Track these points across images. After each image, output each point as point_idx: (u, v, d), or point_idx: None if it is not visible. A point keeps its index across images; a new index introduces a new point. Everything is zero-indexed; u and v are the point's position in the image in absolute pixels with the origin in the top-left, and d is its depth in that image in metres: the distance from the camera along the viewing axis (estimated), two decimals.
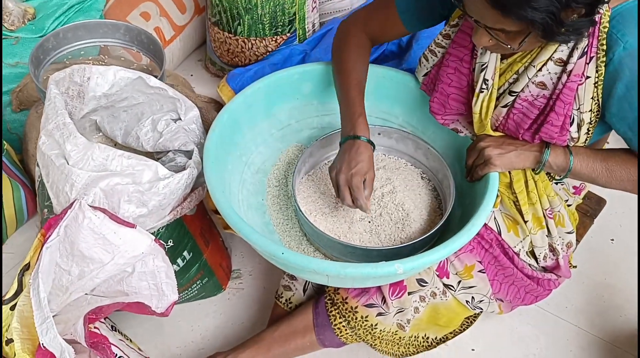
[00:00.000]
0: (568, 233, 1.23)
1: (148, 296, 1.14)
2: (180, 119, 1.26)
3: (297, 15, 1.77)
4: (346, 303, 1.17)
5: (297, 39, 1.82)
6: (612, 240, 1.54)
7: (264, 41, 1.79)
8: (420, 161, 1.31)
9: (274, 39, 1.79)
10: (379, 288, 1.17)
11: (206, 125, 1.40)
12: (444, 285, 1.19)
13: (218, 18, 1.79)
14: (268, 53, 1.81)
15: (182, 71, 2.07)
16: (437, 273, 1.17)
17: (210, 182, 1.09)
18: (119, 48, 1.72)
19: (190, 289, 1.37)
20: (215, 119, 1.21)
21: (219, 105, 1.72)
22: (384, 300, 1.16)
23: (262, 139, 1.34)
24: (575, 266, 1.29)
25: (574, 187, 1.28)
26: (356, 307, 1.17)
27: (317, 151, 1.30)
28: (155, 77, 1.48)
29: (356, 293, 1.18)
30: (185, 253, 1.28)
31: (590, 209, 1.45)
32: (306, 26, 1.82)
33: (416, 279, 1.16)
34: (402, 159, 1.33)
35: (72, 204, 1.01)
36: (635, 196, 1.54)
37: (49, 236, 0.96)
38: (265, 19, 1.73)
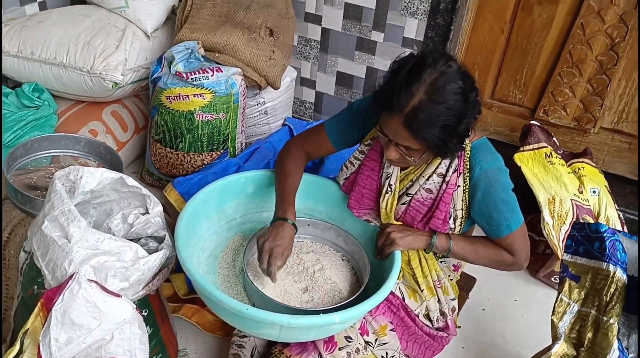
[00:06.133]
0: (452, 299, 1.63)
1: None
2: (147, 213, 1.53)
3: (230, 136, 2.15)
4: None
5: (229, 154, 2.19)
6: (483, 309, 1.97)
7: (201, 156, 2.13)
8: (341, 246, 1.67)
9: (209, 154, 2.15)
10: (315, 346, 1.45)
11: None
12: (365, 341, 1.50)
13: (162, 136, 2.12)
14: (203, 166, 2.15)
15: None
16: (360, 331, 1.49)
17: (182, 257, 1.36)
18: (67, 158, 1.96)
19: None
20: (183, 211, 1.50)
21: None
22: (320, 355, 1.44)
23: (214, 229, 1.63)
24: (459, 327, 1.68)
25: (454, 265, 1.70)
26: None
27: None
28: None
29: (297, 351, 1.44)
30: (147, 327, 1.47)
31: (465, 285, 1.88)
32: (236, 145, 2.21)
33: (344, 336, 1.46)
34: (326, 245, 1.69)
35: (71, 276, 1.22)
36: (496, 278, 2.02)
37: (56, 300, 1.16)
38: (204, 138, 2.10)
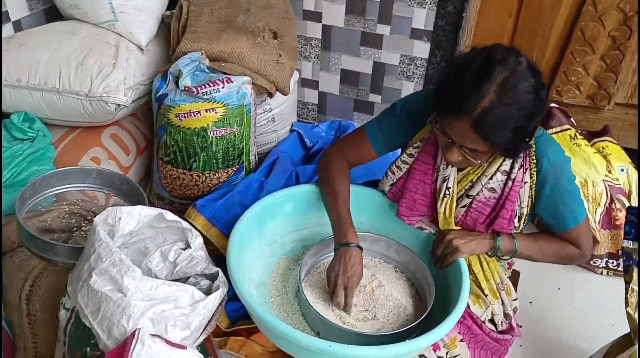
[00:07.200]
0: (514, 300, 1.57)
1: None
2: (189, 247, 1.39)
3: (244, 149, 2.02)
4: None
5: (244, 169, 2.06)
6: (530, 302, 1.93)
7: (217, 174, 1.99)
8: (392, 257, 1.58)
9: (225, 171, 2.01)
10: None
11: None
12: (438, 357, 1.42)
13: (172, 157, 1.97)
14: (220, 184, 2.01)
15: None
16: (432, 348, 1.41)
17: (241, 292, 1.24)
18: (75, 192, 1.78)
19: None
20: (230, 243, 1.37)
21: None
22: None
23: (257, 255, 1.51)
24: (521, 326, 1.62)
25: (508, 263, 1.64)
26: None
27: (310, 258, 1.51)
28: None
29: None
30: None
31: (512, 280, 1.82)
32: (250, 158, 2.08)
33: (419, 355, 1.38)
34: (376, 258, 1.59)
35: (133, 334, 1.08)
36: (536, 268, 1.97)
37: None
38: (219, 155, 1.96)
